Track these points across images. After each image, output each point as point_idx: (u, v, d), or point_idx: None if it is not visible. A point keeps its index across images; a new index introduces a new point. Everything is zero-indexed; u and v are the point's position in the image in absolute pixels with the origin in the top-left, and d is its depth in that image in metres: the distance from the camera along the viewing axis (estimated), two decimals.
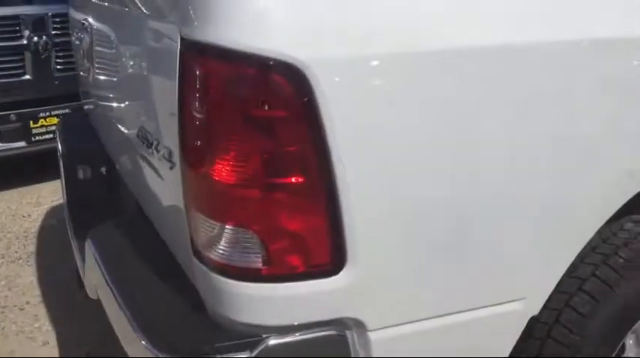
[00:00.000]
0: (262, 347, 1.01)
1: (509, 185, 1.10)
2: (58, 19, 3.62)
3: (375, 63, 0.97)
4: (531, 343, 1.27)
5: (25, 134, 3.61)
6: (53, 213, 3.37)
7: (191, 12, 0.98)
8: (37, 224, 3.27)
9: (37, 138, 3.65)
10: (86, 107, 2.25)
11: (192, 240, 1.06)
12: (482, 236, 1.11)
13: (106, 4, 1.60)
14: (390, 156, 1.00)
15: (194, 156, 1.00)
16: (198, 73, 0.96)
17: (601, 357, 1.27)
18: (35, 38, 3.56)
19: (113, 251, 1.36)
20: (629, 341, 1.38)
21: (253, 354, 1.01)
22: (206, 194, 1.01)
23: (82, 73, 2.01)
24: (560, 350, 1.26)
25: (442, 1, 1.03)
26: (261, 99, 0.94)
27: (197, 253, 1.06)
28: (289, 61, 0.92)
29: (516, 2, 1.08)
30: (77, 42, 1.91)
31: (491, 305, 1.16)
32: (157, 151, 1.17)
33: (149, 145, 1.20)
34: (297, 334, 1.03)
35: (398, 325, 1.09)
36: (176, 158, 1.07)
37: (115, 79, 1.59)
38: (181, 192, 1.06)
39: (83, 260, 1.55)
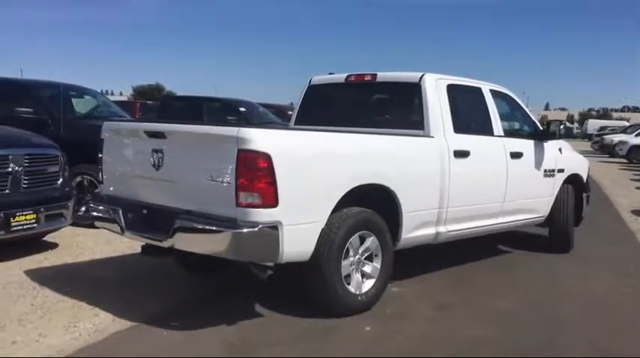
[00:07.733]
0: (259, 226, 4.02)
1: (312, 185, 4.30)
2: (28, 158, 6.03)
3: (291, 153, 4.19)
4: (324, 239, 4.40)
5: (6, 225, 5.79)
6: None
7: (239, 143, 4.02)
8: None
9: (13, 228, 5.84)
10: (119, 189, 4.91)
11: (236, 201, 4.00)
12: (303, 202, 4.26)
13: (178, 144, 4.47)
14: (293, 176, 4.18)
15: (242, 178, 4.00)
16: (242, 156, 4.00)
17: None
18: (16, 168, 5.90)
19: (193, 218, 4.21)
20: (350, 246, 4.59)
21: (258, 227, 3.98)
22: (245, 186, 4.00)
23: (136, 171, 4.76)
24: (329, 244, 4.39)
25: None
26: (258, 162, 4.01)
27: (239, 204, 4.01)
28: (266, 151, 4.05)
29: None
30: (140, 155, 4.69)
31: (311, 223, 4.31)
32: (218, 180, 4.08)
33: (214, 180, 4.11)
34: (267, 225, 4.04)
35: (293, 225, 4.16)
36: (232, 180, 4.02)
37: (185, 166, 4.43)
38: (231, 190, 4.01)
39: (167, 236, 4.30)
